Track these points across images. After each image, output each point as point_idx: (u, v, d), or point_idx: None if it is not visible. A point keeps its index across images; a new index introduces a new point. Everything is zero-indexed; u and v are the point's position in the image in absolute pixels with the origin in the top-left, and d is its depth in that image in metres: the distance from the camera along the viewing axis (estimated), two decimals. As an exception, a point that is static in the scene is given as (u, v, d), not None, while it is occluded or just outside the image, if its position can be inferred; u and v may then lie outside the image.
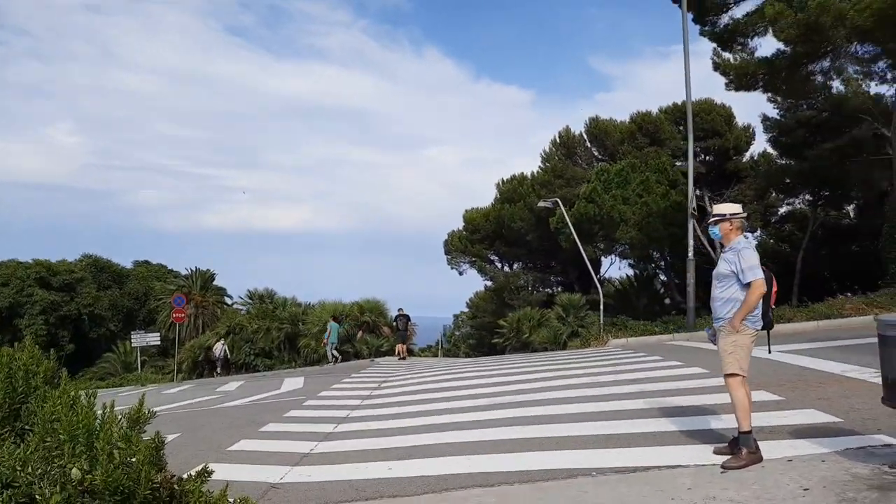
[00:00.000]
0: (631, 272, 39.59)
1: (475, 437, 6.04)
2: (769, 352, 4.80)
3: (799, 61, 15.80)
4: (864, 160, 29.42)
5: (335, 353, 21.11)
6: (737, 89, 17.50)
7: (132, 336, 32.04)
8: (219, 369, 24.81)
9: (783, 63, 15.81)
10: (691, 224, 16.13)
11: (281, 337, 25.38)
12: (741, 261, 4.54)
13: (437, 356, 63.01)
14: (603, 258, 41.06)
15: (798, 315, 14.68)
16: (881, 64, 24.63)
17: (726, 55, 16.81)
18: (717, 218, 4.75)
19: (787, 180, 33.45)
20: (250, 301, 30.89)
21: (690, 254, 15.71)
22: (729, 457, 4.42)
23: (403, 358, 20.08)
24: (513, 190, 43.36)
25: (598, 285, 21.37)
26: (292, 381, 13.93)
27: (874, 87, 32.31)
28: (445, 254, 48.70)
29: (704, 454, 4.66)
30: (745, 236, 4.71)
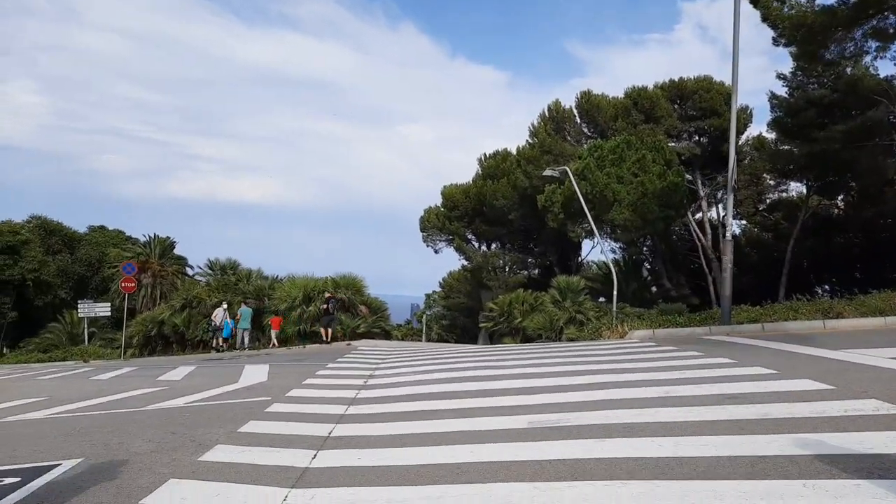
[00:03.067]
0: (612, 257, 38.01)
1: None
2: None
3: (863, 12, 13.67)
4: (873, 146, 27.85)
5: (245, 338, 20.48)
6: (787, 44, 15.35)
7: (79, 306, 29.04)
8: (220, 341, 21.69)
9: (844, 14, 13.66)
10: (731, 199, 13.94)
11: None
12: None
13: (409, 339, 60.98)
14: (587, 241, 39.23)
15: (847, 310, 12.67)
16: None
17: (777, 4, 14.56)
18: None
19: (792, 164, 31.87)
20: (210, 272, 28.02)
21: (728, 234, 13.55)
22: None
23: (329, 342, 19.16)
24: (496, 166, 41.12)
25: (612, 267, 19.09)
26: (255, 371, 11.40)
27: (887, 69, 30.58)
28: (421, 230, 46.42)
29: None
30: None
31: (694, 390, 6.41)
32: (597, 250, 41.69)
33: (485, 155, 44.50)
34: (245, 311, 20.69)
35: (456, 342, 43.24)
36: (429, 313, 65.69)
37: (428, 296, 68.75)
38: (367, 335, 20.38)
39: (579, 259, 42.56)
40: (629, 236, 32.96)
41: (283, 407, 7.29)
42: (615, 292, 17.68)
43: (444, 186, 46.18)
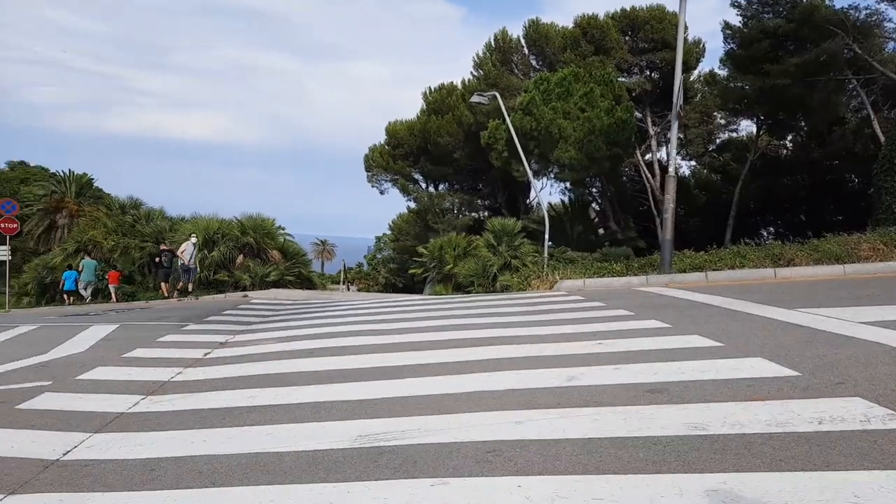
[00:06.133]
0: (560, 198, 36.65)
1: None
2: None
3: None
4: (826, 81, 26.54)
5: (85, 292, 18.90)
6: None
7: (-27, 251, 25.84)
8: (190, 284, 17.98)
9: None
10: (675, 127, 12.09)
11: (144, 258, 20.18)
12: None
13: (358, 282, 58.72)
14: (535, 181, 37.76)
15: (800, 256, 11.20)
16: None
17: None
18: None
19: (743, 100, 30.46)
20: (109, 211, 25.17)
21: (671, 169, 11.78)
22: None
23: (169, 297, 17.71)
24: (441, 100, 38.57)
25: (545, 210, 17.30)
26: (91, 334, 9.19)
27: (844, -1, 29.23)
28: (366, 170, 43.80)
29: None
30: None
31: (605, 377, 4.60)
32: (547, 191, 40.16)
33: (430, 89, 41.62)
34: (87, 263, 18.57)
35: (403, 288, 41.56)
36: (379, 256, 63.90)
37: (378, 238, 66.64)
38: (279, 284, 18.28)
39: (528, 200, 40.93)
40: (576, 176, 31.27)
41: (48, 401, 5.22)
42: (546, 236, 15.93)
43: (389, 123, 43.46)
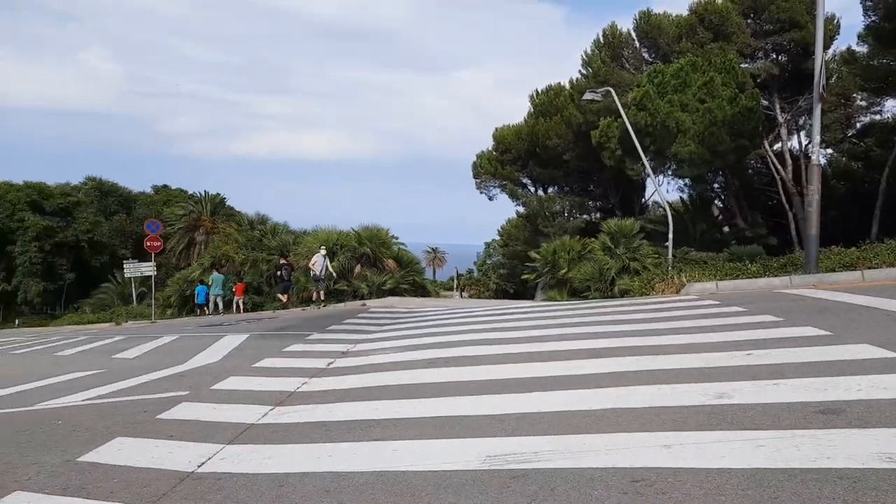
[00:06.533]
0: (678, 196, 34.67)
1: None
2: None
3: None
4: None
5: (218, 303, 20.45)
6: None
7: (125, 266, 28.65)
8: (321, 293, 18.14)
9: None
10: (818, 111, 10.88)
11: (270, 270, 21.33)
12: None
13: (469, 288, 58.93)
14: (650, 179, 35.98)
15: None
16: None
17: None
18: None
19: (889, 78, 27.35)
20: (238, 227, 26.84)
21: (815, 157, 10.60)
22: None
23: (286, 306, 18.94)
24: (549, 102, 37.89)
25: (667, 208, 16.31)
26: (223, 345, 9.67)
27: None
28: (474, 177, 43.93)
29: None
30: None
31: (762, 394, 4.03)
32: (663, 189, 38.12)
33: (537, 91, 41.02)
34: (216, 278, 19.97)
35: (514, 294, 41.14)
36: (489, 262, 64.00)
37: (487, 244, 66.80)
38: (395, 292, 18.57)
39: (643, 200, 39.23)
40: (696, 171, 29.42)
41: (185, 411, 5.43)
42: (671, 237, 14.96)
43: (496, 129, 43.33)
